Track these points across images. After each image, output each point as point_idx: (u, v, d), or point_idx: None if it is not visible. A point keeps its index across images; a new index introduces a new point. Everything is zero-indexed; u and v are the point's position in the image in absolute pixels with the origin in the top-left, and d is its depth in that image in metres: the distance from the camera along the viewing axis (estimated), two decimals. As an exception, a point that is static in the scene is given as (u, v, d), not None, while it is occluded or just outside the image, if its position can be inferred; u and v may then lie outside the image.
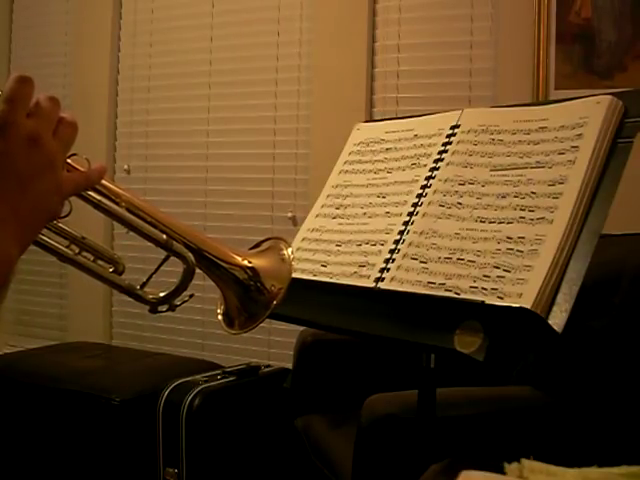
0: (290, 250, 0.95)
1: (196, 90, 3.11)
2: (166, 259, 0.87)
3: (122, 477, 2.30)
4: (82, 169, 0.79)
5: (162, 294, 0.90)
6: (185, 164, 3.12)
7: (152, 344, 3.09)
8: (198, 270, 0.89)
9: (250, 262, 0.92)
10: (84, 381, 2.42)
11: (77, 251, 0.86)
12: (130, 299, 0.90)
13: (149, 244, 0.88)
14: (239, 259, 0.92)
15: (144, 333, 3.15)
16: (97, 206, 0.82)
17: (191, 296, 0.92)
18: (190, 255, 0.87)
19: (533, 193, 1.18)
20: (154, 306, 0.90)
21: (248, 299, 0.92)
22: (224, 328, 0.95)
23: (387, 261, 1.27)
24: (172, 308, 0.90)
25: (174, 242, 0.86)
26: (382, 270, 1.27)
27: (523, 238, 1.14)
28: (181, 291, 0.89)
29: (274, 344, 2.85)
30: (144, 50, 3.24)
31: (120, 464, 2.30)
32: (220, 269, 0.90)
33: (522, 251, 1.12)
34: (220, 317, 0.96)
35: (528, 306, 1.05)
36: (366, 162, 1.50)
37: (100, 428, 2.32)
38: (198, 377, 2.34)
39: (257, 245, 0.99)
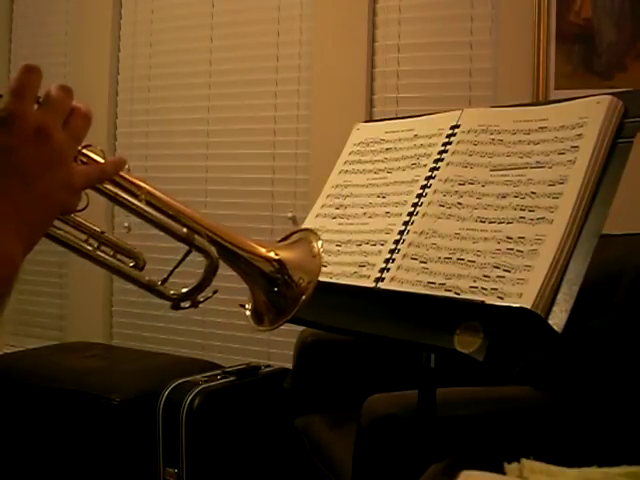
0: (320, 243, 0.91)
1: (196, 90, 3.11)
2: (188, 254, 0.84)
3: (122, 477, 2.30)
4: (100, 160, 0.76)
5: (184, 290, 0.86)
6: (185, 164, 3.12)
7: (152, 344, 3.09)
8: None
9: (277, 254, 0.89)
10: (84, 381, 2.42)
11: (96, 245, 0.83)
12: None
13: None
14: (264, 251, 0.88)
15: (144, 333, 3.15)
16: (113, 199, 0.79)
17: (215, 292, 0.87)
18: (213, 249, 0.84)
19: (533, 193, 1.18)
20: (176, 302, 0.86)
21: (276, 294, 0.88)
22: (253, 325, 0.91)
23: (387, 261, 1.27)
24: (195, 305, 0.86)
25: (196, 236, 0.83)
26: (382, 270, 1.27)
27: (523, 238, 1.14)
28: (205, 287, 0.85)
29: (274, 344, 2.84)
30: (144, 50, 3.23)
31: (120, 464, 2.30)
32: (244, 262, 0.86)
33: (522, 251, 1.12)
34: (248, 313, 0.92)
35: (528, 306, 1.05)
36: (366, 162, 1.50)
37: (100, 428, 2.32)
38: (198, 377, 2.34)
39: (286, 237, 0.95)
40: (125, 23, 3.28)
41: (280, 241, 0.95)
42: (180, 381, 2.31)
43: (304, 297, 0.86)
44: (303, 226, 1.51)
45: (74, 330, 3.28)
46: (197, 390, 2.25)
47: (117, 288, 3.18)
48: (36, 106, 0.70)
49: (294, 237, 0.95)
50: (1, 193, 0.67)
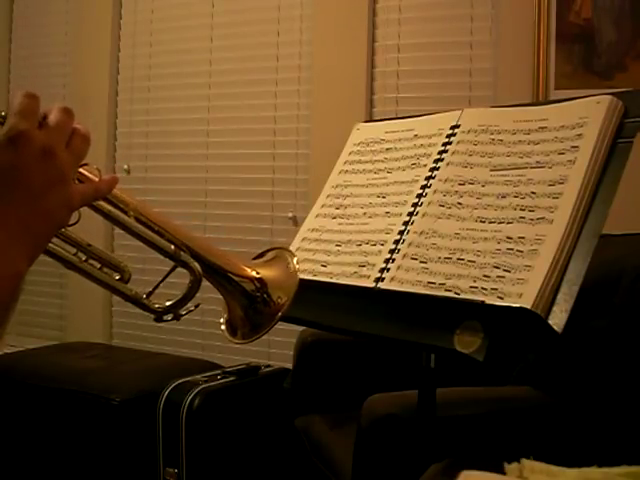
0: (295, 260, 0.93)
1: (196, 90, 3.11)
2: (173, 269, 0.86)
3: (122, 477, 2.30)
4: (95, 178, 0.79)
5: (168, 303, 0.88)
6: (185, 164, 3.12)
7: (152, 344, 3.09)
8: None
9: (258, 273, 0.90)
10: (84, 381, 2.42)
11: (84, 259, 0.85)
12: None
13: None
14: (248, 270, 0.90)
15: (144, 333, 3.15)
16: (106, 216, 0.81)
17: (197, 306, 0.90)
18: (197, 266, 0.86)
19: (533, 193, 1.18)
20: (159, 315, 0.89)
21: (253, 310, 0.90)
22: (227, 337, 0.93)
23: (387, 261, 1.27)
24: (177, 317, 0.89)
25: (182, 252, 0.85)
26: (382, 270, 1.27)
27: (523, 238, 1.14)
28: (187, 301, 0.88)
29: (274, 344, 2.84)
30: (144, 50, 3.23)
31: (120, 464, 2.30)
32: (227, 280, 0.89)
33: (522, 251, 1.12)
34: (223, 327, 0.94)
35: (528, 306, 1.05)
36: (366, 162, 1.50)
37: (100, 428, 2.32)
38: (198, 377, 2.34)
39: (261, 255, 0.97)
40: (125, 23, 3.28)
41: (255, 258, 0.96)
42: (180, 381, 2.31)
43: (279, 314, 0.88)
44: (303, 226, 1.51)
45: (74, 330, 3.28)
46: (197, 390, 2.25)
47: (117, 288, 3.17)
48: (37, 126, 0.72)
49: (270, 255, 0.96)
50: (9, 209, 0.69)
